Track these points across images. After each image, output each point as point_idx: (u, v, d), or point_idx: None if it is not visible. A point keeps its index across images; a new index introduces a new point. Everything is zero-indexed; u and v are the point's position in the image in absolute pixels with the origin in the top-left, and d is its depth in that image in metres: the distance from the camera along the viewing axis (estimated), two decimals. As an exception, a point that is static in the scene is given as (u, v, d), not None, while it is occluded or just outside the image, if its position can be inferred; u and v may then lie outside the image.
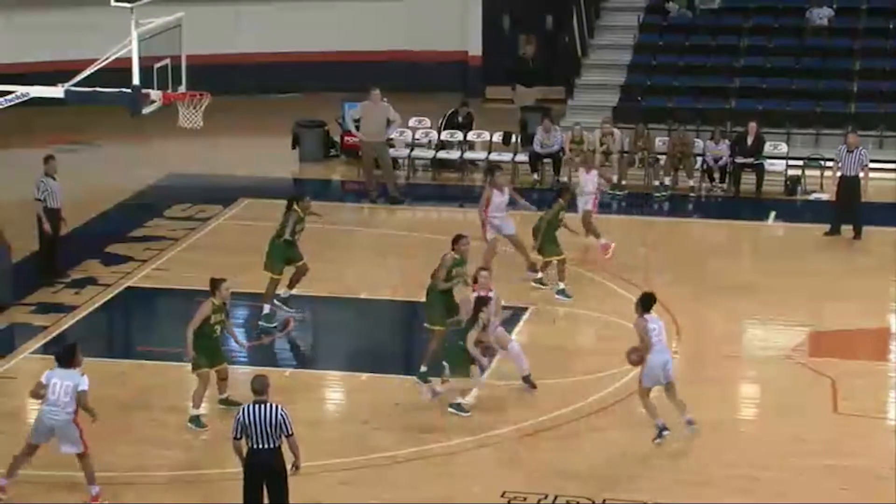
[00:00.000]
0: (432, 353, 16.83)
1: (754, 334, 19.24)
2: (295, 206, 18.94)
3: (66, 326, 18.81)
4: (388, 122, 25.10)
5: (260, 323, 18.84)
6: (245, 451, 13.00)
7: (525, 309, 19.35)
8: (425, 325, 17.07)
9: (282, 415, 12.89)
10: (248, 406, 12.96)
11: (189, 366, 15.86)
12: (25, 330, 18.68)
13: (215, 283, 15.93)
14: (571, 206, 20.82)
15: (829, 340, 18.61)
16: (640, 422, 16.25)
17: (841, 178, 22.76)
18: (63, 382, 13.76)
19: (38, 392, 13.97)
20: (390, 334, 19.70)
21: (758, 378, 17.84)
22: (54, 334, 18.52)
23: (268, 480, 12.97)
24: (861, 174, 22.67)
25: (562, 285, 19.77)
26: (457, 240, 17.17)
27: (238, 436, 12.96)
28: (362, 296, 20.10)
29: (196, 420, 15.70)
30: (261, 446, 12.86)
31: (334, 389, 17.53)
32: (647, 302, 15.42)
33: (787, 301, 20.11)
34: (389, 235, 23.41)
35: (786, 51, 29.15)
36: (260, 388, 13.03)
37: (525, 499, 14.16)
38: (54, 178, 20.74)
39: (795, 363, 17.87)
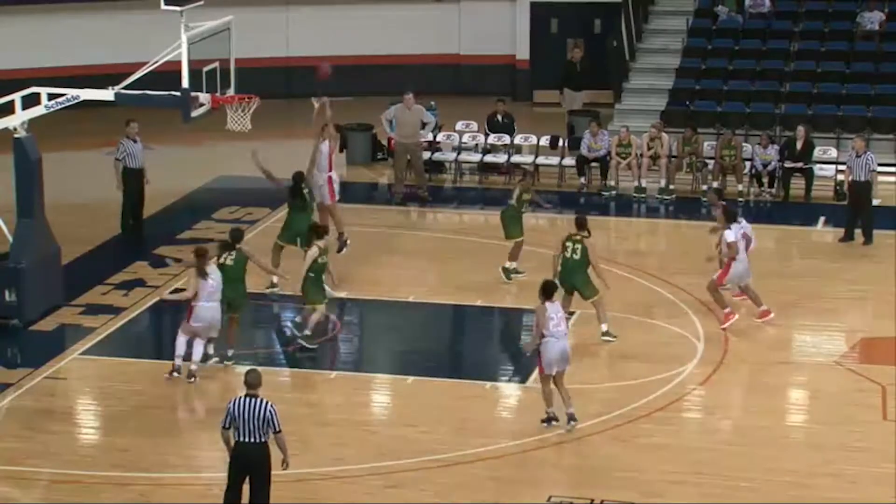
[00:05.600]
0: None
1: (804, 340, 19.09)
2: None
3: (114, 328, 18.93)
4: (423, 125, 25.41)
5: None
6: (232, 442, 13.04)
7: (572, 313, 19.28)
8: None
9: (270, 411, 12.91)
10: (239, 398, 13.01)
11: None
12: (75, 331, 18.78)
13: (320, 229, 18.34)
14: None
15: (879, 347, 18.45)
16: (687, 428, 16.20)
17: (851, 182, 22.84)
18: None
19: None
20: (436, 337, 19.68)
21: (807, 384, 17.70)
22: (103, 336, 18.65)
23: (252, 475, 13.01)
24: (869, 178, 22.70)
25: (514, 264, 20.50)
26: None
27: (227, 425, 13.01)
28: (409, 299, 20.09)
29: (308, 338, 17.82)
30: (247, 440, 12.91)
31: (380, 392, 17.53)
32: (548, 289, 15.69)
33: (836, 307, 19.97)
34: (436, 238, 23.40)
35: (836, 55, 28.93)
36: (253, 381, 13.08)
37: (571, 503, 14.13)
38: (135, 141, 22.08)
39: (845, 370, 17.74)
